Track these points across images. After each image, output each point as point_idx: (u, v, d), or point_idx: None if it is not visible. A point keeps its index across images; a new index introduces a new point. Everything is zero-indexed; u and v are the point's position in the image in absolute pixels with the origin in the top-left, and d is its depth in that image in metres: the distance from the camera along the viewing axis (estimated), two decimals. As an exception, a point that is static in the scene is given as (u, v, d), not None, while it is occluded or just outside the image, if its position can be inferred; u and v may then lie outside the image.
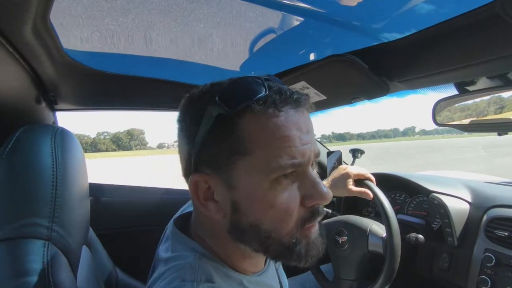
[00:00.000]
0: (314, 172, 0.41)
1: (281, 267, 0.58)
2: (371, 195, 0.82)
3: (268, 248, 0.39)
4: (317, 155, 0.41)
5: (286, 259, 0.40)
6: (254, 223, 0.38)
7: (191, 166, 0.39)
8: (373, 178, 0.87)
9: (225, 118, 0.36)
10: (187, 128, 0.40)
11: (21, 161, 0.47)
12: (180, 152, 0.42)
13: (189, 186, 0.39)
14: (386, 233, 0.80)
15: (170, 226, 0.50)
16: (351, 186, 0.84)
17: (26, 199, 0.46)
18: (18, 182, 0.46)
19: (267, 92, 0.36)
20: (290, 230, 0.39)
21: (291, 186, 0.38)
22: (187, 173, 0.41)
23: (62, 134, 0.53)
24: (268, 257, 0.43)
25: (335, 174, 0.87)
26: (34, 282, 0.41)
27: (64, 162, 0.50)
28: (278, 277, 0.54)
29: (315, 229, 0.41)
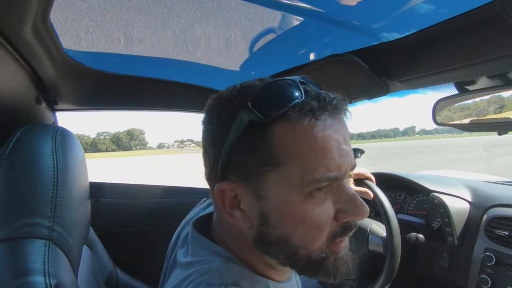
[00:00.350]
0: (350, 184, 0.39)
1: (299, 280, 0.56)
2: (372, 194, 0.82)
3: (295, 263, 0.37)
4: (354, 166, 0.38)
5: (313, 273, 0.38)
6: (283, 237, 0.36)
7: (217, 172, 0.37)
8: (373, 178, 0.86)
9: (258, 125, 0.33)
10: (213, 132, 0.37)
11: (22, 161, 0.47)
12: (204, 155, 0.39)
13: (215, 194, 0.37)
14: (386, 232, 0.80)
15: (185, 230, 0.47)
16: (351, 185, 0.84)
17: (26, 199, 0.45)
18: (19, 182, 0.46)
19: (303, 98, 0.34)
20: (320, 246, 0.36)
21: (325, 200, 0.35)
22: (211, 177, 0.39)
23: (62, 134, 0.53)
24: (296, 270, 0.41)
25: None
26: (34, 282, 0.41)
27: (65, 162, 0.50)
28: (296, 282, 0.52)
29: (345, 244, 0.39)
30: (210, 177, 0.39)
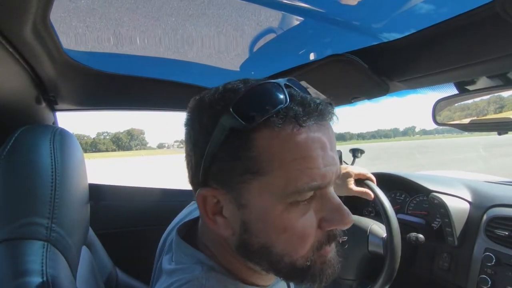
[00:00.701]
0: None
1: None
2: (372, 195, 0.82)
3: (279, 270, 0.36)
4: (339, 176, 0.37)
5: (299, 280, 0.37)
6: (265, 245, 0.35)
7: (199, 177, 0.35)
8: (373, 178, 0.87)
9: (240, 132, 0.32)
10: (195, 136, 0.36)
11: (20, 161, 0.47)
12: (187, 158, 0.38)
13: (197, 200, 0.36)
14: (387, 233, 0.80)
15: (171, 235, 0.47)
16: (352, 185, 0.84)
17: (25, 199, 0.45)
18: (17, 182, 0.46)
19: (287, 103, 0.32)
20: (304, 254, 0.35)
21: (308, 209, 0.34)
22: (194, 182, 0.38)
23: (61, 135, 0.53)
24: (281, 277, 0.39)
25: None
26: (33, 283, 0.41)
27: (63, 162, 0.50)
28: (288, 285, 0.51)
29: (331, 250, 0.38)
30: (192, 182, 0.38)
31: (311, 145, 0.32)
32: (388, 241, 0.78)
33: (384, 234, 0.83)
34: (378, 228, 0.87)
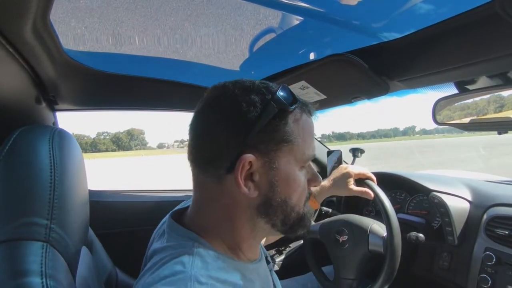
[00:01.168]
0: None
1: (273, 271, 0.61)
2: (372, 194, 0.82)
3: (288, 220, 0.47)
4: None
5: (296, 229, 0.48)
6: (285, 199, 0.45)
7: (229, 152, 0.42)
8: (374, 177, 0.87)
9: (284, 112, 0.44)
10: (236, 115, 0.42)
11: (19, 162, 0.47)
12: (207, 136, 0.44)
13: (238, 165, 0.42)
14: (387, 232, 0.80)
15: (166, 220, 0.50)
16: (352, 185, 0.84)
17: (24, 200, 0.45)
18: (16, 183, 0.46)
19: (299, 101, 0.47)
20: (302, 204, 0.49)
21: (304, 172, 0.49)
22: (214, 157, 0.44)
23: (60, 135, 0.53)
24: (282, 230, 0.48)
25: (336, 173, 0.87)
26: (32, 284, 0.41)
27: (62, 163, 0.50)
28: (273, 280, 0.56)
29: (309, 206, 0.53)
30: (211, 157, 0.44)
31: (313, 128, 0.49)
32: (388, 240, 0.78)
33: (385, 233, 0.83)
34: (378, 228, 0.87)
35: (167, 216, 0.51)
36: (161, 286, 0.37)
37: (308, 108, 0.49)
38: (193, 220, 0.48)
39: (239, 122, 0.42)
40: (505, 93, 0.72)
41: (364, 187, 0.84)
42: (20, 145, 0.48)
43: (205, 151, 0.45)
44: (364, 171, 0.86)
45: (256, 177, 0.44)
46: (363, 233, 0.87)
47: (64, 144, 0.53)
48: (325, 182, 0.88)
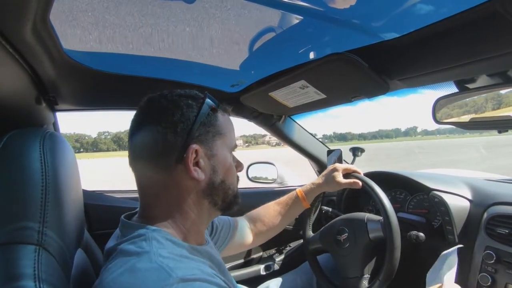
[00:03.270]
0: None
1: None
2: (360, 183, 0.88)
3: (227, 197, 0.58)
4: None
5: (232, 206, 0.59)
6: (223, 180, 0.56)
7: (177, 143, 0.51)
8: (359, 171, 0.93)
9: (214, 111, 0.56)
10: (178, 115, 0.51)
11: (9, 166, 0.47)
12: (156, 136, 0.51)
13: (187, 154, 0.51)
14: (382, 214, 0.83)
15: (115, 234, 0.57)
16: (340, 178, 0.90)
17: (15, 204, 0.45)
18: (7, 187, 0.45)
19: (218, 103, 0.58)
20: (236, 184, 0.61)
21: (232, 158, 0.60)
22: (165, 152, 0.51)
23: (51, 138, 0.52)
24: (222, 207, 0.58)
25: (325, 172, 0.95)
26: (25, 287, 0.41)
27: (54, 166, 0.50)
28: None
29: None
30: (162, 155, 0.51)
31: (232, 122, 0.61)
32: (385, 221, 0.81)
33: (381, 217, 0.85)
34: (373, 215, 0.90)
35: (121, 219, 0.55)
36: (127, 266, 0.41)
37: (225, 108, 0.60)
38: (143, 216, 0.54)
39: (182, 121, 0.51)
40: (504, 90, 0.72)
41: (351, 179, 0.90)
42: (11, 149, 0.48)
43: (155, 149, 0.51)
44: (349, 167, 0.94)
45: (201, 163, 0.53)
46: (361, 224, 0.89)
47: (56, 146, 0.52)
48: (315, 181, 0.95)
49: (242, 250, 0.97)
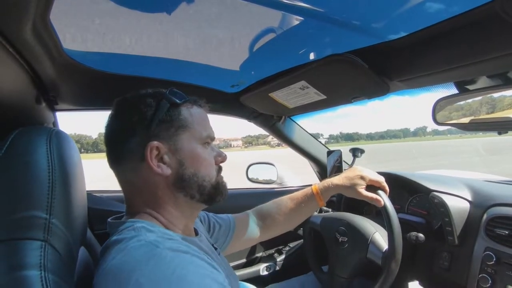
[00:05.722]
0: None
1: (221, 254, 0.72)
2: (382, 203, 0.79)
3: (203, 190, 0.58)
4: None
5: (215, 197, 0.60)
6: (194, 173, 0.57)
7: (138, 143, 0.53)
8: (387, 188, 0.83)
9: (175, 106, 0.56)
10: (137, 114, 0.54)
11: (17, 163, 0.47)
12: (119, 139, 0.55)
13: (146, 153, 0.53)
14: (389, 248, 0.78)
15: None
16: (363, 189, 0.81)
17: (22, 201, 0.45)
18: (13, 184, 0.46)
19: (189, 98, 0.59)
20: (213, 176, 0.60)
21: (208, 150, 0.61)
22: (128, 153, 0.54)
23: (57, 136, 0.53)
24: (202, 199, 0.59)
25: (350, 173, 0.84)
26: (31, 283, 0.41)
27: (60, 163, 0.50)
28: (219, 259, 0.63)
29: (223, 178, 0.64)
30: (126, 156, 0.54)
31: (205, 116, 0.62)
32: (388, 257, 0.77)
33: (385, 247, 0.82)
34: (380, 238, 0.85)
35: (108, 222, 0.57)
36: (118, 250, 0.44)
37: (199, 103, 0.61)
38: (128, 212, 0.57)
39: (141, 121, 0.54)
40: (496, 94, 0.72)
41: (375, 193, 0.81)
42: (18, 146, 0.48)
43: (120, 151, 0.55)
44: (380, 179, 0.83)
45: (166, 158, 0.54)
46: (363, 240, 0.87)
47: (62, 145, 0.53)
48: (335, 180, 0.85)
49: (248, 246, 0.96)
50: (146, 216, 0.54)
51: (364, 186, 0.82)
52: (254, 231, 0.88)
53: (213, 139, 0.62)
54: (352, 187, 0.82)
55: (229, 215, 0.87)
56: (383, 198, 0.80)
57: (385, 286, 0.77)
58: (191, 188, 0.57)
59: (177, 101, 0.56)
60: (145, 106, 0.55)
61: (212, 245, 0.68)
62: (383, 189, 0.82)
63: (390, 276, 0.77)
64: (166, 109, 0.55)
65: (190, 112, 0.58)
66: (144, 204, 0.55)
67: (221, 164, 0.64)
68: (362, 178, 0.82)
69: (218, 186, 0.60)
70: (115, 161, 0.57)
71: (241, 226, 0.86)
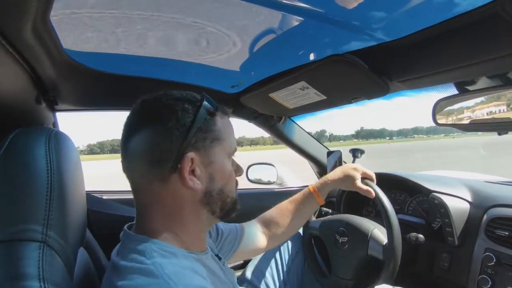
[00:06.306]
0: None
1: (226, 264, 0.68)
2: (373, 194, 0.84)
3: (225, 206, 0.55)
4: None
5: (231, 211, 0.56)
6: (221, 188, 0.53)
7: (172, 151, 0.48)
8: (374, 177, 0.89)
9: (212, 115, 0.52)
10: (174, 121, 0.48)
11: (15, 164, 0.47)
12: (149, 143, 0.49)
13: (182, 164, 0.48)
14: (388, 241, 0.80)
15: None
16: (358, 182, 0.86)
17: (20, 203, 0.45)
18: (12, 185, 0.45)
19: (218, 105, 0.54)
20: (234, 191, 0.57)
21: (231, 164, 0.57)
22: (158, 161, 0.48)
23: (56, 137, 0.53)
24: (221, 215, 0.55)
25: (345, 167, 0.90)
26: (29, 285, 0.41)
27: (59, 164, 0.50)
28: (223, 270, 0.61)
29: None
30: (156, 164, 0.48)
31: (232, 126, 0.57)
32: (389, 249, 0.78)
33: (385, 241, 0.83)
34: (379, 234, 0.87)
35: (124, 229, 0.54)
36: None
37: (225, 110, 0.57)
38: (141, 227, 0.51)
39: (178, 127, 0.48)
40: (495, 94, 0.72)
41: (366, 186, 0.85)
42: (16, 147, 0.48)
43: (148, 157, 0.49)
44: (371, 173, 0.89)
45: (198, 171, 0.50)
46: (363, 237, 0.87)
47: (61, 145, 0.52)
48: (330, 175, 0.89)
49: (256, 255, 0.96)
50: (162, 234, 0.49)
51: (359, 179, 0.87)
52: (260, 241, 0.86)
53: (236, 151, 0.58)
54: (348, 179, 0.87)
55: (237, 224, 0.86)
56: (374, 188, 0.85)
57: (389, 279, 0.77)
58: (215, 204, 0.53)
59: (214, 110, 0.52)
60: (182, 111, 0.49)
61: (217, 255, 0.65)
62: (371, 178, 0.88)
63: (393, 265, 0.77)
64: (204, 118, 0.50)
65: (223, 122, 0.54)
66: (161, 218, 0.50)
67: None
68: (355, 169, 0.88)
69: (237, 202, 0.58)
70: (135, 165, 0.51)
71: (248, 236, 0.85)
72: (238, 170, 0.59)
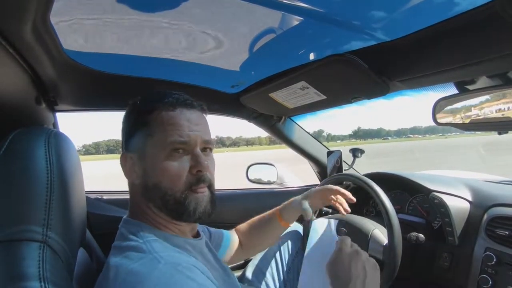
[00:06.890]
0: (200, 151, 0.55)
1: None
2: (345, 213, 0.85)
3: (167, 203, 0.53)
4: (207, 142, 0.57)
5: (180, 213, 0.53)
6: (155, 183, 0.53)
7: (124, 149, 0.58)
8: (350, 197, 0.85)
9: (143, 115, 0.55)
10: (124, 123, 0.59)
11: (15, 164, 0.47)
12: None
13: (121, 160, 0.56)
14: (388, 241, 0.79)
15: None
16: (331, 198, 0.85)
17: (20, 203, 0.45)
18: (12, 185, 0.46)
19: (170, 98, 0.55)
20: (180, 189, 0.53)
21: (181, 158, 0.53)
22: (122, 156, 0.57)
23: (56, 137, 0.53)
24: (170, 214, 0.54)
25: (320, 188, 0.88)
26: (29, 285, 0.41)
27: (59, 164, 0.50)
28: (216, 259, 0.62)
29: (202, 192, 0.55)
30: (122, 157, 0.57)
31: (175, 118, 0.54)
32: (389, 251, 0.78)
33: (385, 242, 0.83)
34: (379, 234, 0.86)
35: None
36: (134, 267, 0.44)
37: (178, 102, 0.55)
38: (132, 212, 0.58)
39: (124, 130, 0.59)
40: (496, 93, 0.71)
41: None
42: (16, 148, 0.48)
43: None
44: (343, 190, 0.85)
45: (135, 168, 0.55)
46: (363, 237, 0.87)
47: (60, 145, 0.53)
48: (295, 197, 0.87)
49: (236, 262, 0.95)
50: (144, 219, 0.55)
51: (326, 192, 0.85)
52: (233, 250, 0.87)
53: (186, 143, 0.53)
54: (317, 195, 0.85)
55: (224, 231, 0.87)
56: (375, 188, 0.85)
57: (389, 279, 0.77)
58: (155, 200, 0.54)
59: (145, 110, 0.55)
60: (129, 115, 0.58)
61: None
62: (342, 195, 0.84)
63: (393, 265, 0.77)
64: (133, 121, 0.57)
65: (157, 119, 0.53)
66: (137, 207, 0.57)
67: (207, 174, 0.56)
68: (329, 189, 0.85)
69: (183, 202, 0.52)
70: None
71: (225, 244, 0.85)
72: (195, 165, 0.54)
